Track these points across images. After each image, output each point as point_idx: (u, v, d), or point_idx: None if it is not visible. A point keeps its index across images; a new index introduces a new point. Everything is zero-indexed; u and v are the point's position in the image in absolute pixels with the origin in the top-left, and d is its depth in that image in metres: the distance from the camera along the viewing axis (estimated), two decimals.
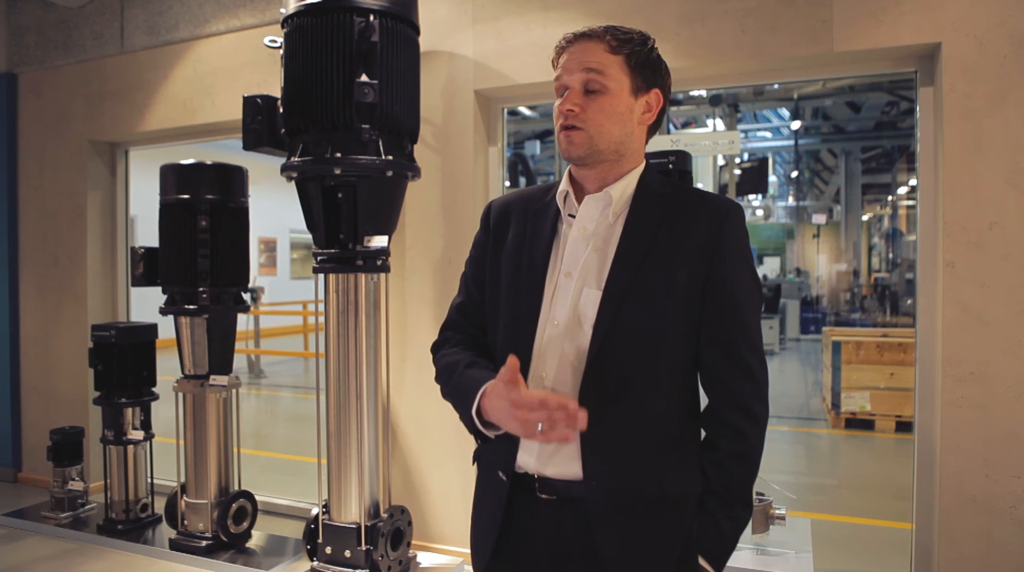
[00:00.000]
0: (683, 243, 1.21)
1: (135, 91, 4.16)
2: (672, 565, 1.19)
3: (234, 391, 3.42)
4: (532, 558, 1.24)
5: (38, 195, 4.49)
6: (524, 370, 1.21)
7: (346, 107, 2.62)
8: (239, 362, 8.30)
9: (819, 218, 17.15)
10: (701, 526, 1.20)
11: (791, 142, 14.22)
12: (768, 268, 16.80)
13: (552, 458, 1.21)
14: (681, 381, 1.23)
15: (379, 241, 2.81)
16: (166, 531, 3.50)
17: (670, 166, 2.50)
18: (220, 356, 3.38)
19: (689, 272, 1.20)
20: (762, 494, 2.57)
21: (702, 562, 1.19)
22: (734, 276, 1.22)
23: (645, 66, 1.24)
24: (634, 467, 1.19)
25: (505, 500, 1.24)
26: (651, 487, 1.19)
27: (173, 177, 3.29)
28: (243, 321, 4.38)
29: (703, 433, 1.29)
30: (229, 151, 4.06)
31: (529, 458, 1.22)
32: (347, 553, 2.83)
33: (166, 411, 3.69)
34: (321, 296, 2.93)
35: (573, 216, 1.27)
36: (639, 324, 1.19)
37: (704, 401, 1.30)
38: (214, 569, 3.16)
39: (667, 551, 1.19)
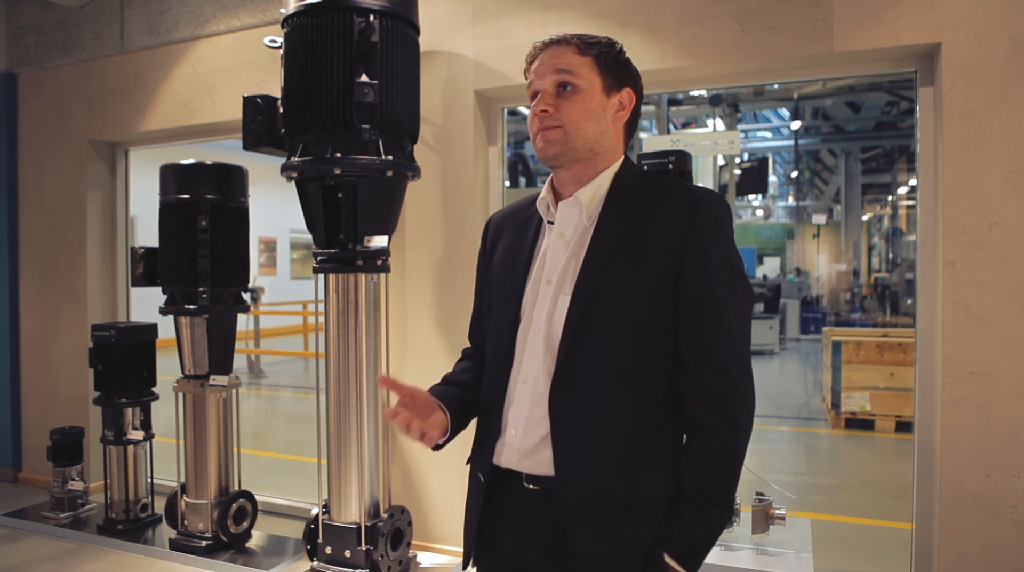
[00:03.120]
0: (652, 238, 1.20)
1: (135, 91, 4.16)
2: (639, 561, 1.19)
3: (234, 391, 3.43)
4: (518, 551, 1.27)
5: (38, 195, 4.49)
6: (507, 376, 1.28)
7: (346, 107, 2.63)
8: (239, 362, 8.28)
9: (819, 218, 17.16)
10: (669, 525, 1.19)
11: (791, 142, 14.22)
12: (768, 268, 16.78)
13: (529, 455, 1.24)
14: (659, 381, 1.22)
15: (379, 241, 2.81)
16: (166, 531, 3.50)
17: (670, 166, 2.50)
18: (220, 356, 3.38)
19: (659, 268, 1.19)
20: (762, 494, 2.58)
21: (669, 560, 1.18)
22: (708, 269, 1.19)
23: (614, 66, 1.27)
24: (604, 466, 1.19)
25: (483, 498, 1.29)
26: (622, 486, 1.19)
27: (173, 177, 3.29)
28: (243, 321, 4.38)
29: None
30: (229, 151, 4.06)
31: (511, 455, 1.25)
32: (347, 553, 2.83)
33: (166, 411, 3.69)
34: (321, 296, 2.93)
35: (553, 223, 1.29)
36: (608, 324, 1.19)
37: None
38: (214, 569, 3.16)
39: (635, 549, 1.20)
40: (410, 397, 1.25)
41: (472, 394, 1.39)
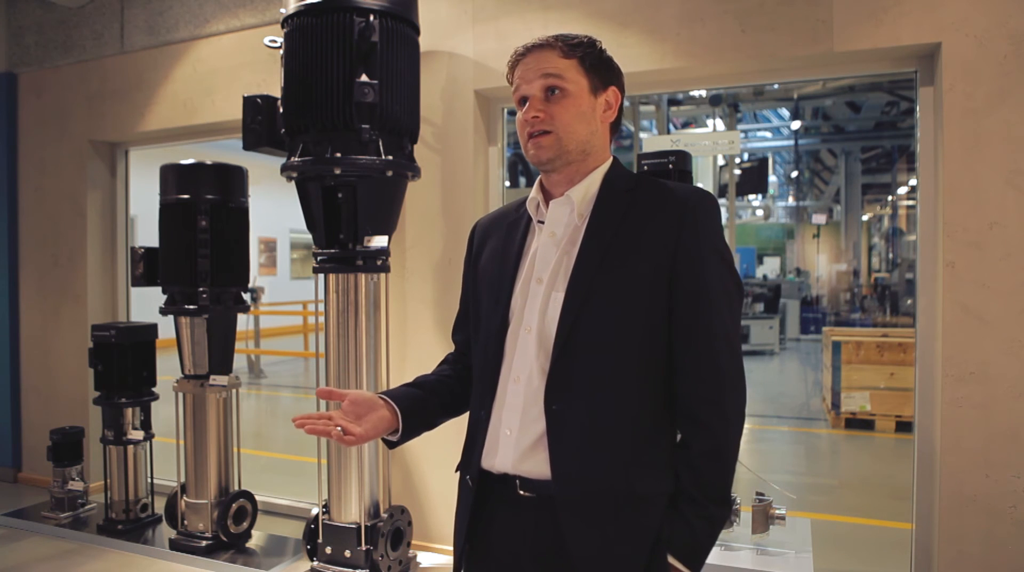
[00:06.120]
0: (644, 237, 1.21)
1: (135, 91, 4.16)
2: (642, 564, 1.19)
3: (234, 391, 3.43)
4: (511, 557, 1.25)
5: (38, 195, 4.49)
6: (496, 378, 1.26)
7: (346, 107, 2.63)
8: (239, 362, 8.29)
9: (819, 218, 17.16)
10: (671, 525, 1.19)
11: (791, 142, 14.22)
12: (768, 268, 16.78)
13: (525, 458, 1.22)
14: (653, 379, 1.22)
15: (379, 241, 2.81)
16: (166, 531, 3.50)
17: (670, 166, 2.50)
18: (220, 356, 3.38)
19: (652, 266, 1.19)
20: (762, 494, 2.57)
21: (672, 561, 1.18)
22: (700, 267, 1.19)
23: (599, 66, 1.27)
24: (602, 466, 1.18)
25: (471, 503, 1.28)
26: (620, 486, 1.18)
27: (173, 177, 3.30)
28: (243, 321, 4.38)
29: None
30: (229, 151, 4.06)
31: (506, 458, 1.24)
32: (347, 553, 2.83)
33: (166, 411, 3.69)
34: (321, 296, 2.93)
35: (543, 222, 1.29)
36: (602, 323, 1.19)
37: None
38: (214, 569, 3.16)
39: (637, 550, 1.19)
40: (350, 403, 1.24)
41: (433, 395, 1.37)
